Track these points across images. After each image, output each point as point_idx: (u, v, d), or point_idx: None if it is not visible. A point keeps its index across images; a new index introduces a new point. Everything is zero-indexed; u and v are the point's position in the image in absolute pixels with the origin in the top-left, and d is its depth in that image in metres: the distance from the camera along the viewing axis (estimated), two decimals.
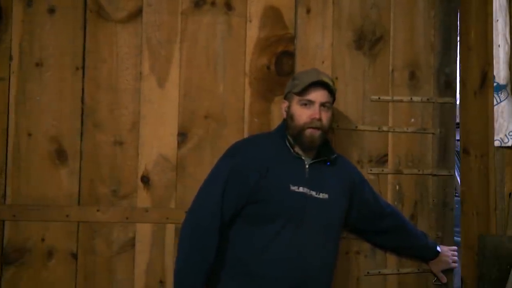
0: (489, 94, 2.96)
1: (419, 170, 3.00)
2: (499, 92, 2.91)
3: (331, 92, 2.60)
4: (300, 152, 2.61)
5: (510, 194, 2.89)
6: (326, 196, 2.59)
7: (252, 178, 2.49)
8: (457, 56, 3.11)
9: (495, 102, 2.92)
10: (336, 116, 2.97)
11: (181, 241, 2.47)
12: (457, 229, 3.27)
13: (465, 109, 3.10)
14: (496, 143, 2.91)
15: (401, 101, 3.00)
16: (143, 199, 2.86)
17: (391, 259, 3.00)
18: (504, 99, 2.90)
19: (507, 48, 2.89)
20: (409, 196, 3.02)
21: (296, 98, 2.58)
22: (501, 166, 2.93)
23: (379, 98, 2.99)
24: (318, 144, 2.59)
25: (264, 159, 2.55)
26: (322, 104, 2.57)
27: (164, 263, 2.85)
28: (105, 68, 2.86)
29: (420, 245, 2.93)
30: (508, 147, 2.90)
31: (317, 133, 2.56)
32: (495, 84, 2.93)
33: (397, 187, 3.02)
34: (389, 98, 3.00)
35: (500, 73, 2.91)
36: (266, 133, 2.76)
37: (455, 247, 2.98)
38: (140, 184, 2.85)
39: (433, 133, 3.01)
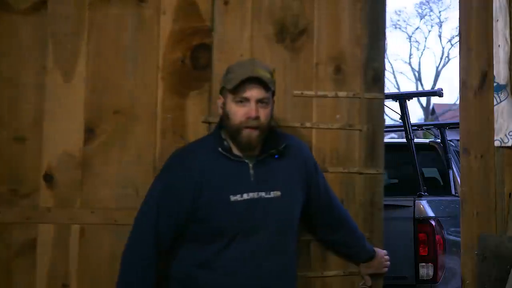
0: (489, 94, 2.97)
1: (344, 168, 2.82)
2: (499, 92, 2.91)
3: (270, 85, 2.35)
4: (240, 153, 2.37)
5: (510, 194, 2.89)
6: (278, 193, 2.39)
7: (187, 197, 2.32)
8: (385, 50, 2.96)
9: (495, 102, 2.92)
10: None
11: (120, 266, 2.38)
12: (457, 229, 3.27)
13: (465, 109, 3.10)
14: (496, 143, 2.92)
15: (325, 96, 2.83)
16: (45, 198, 2.68)
17: (316, 261, 2.80)
18: (504, 99, 2.90)
19: (507, 48, 2.90)
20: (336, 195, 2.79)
21: (230, 95, 2.33)
22: (501, 166, 2.93)
23: (302, 93, 2.82)
24: (259, 144, 2.37)
25: (200, 172, 2.34)
26: (259, 101, 2.33)
27: (67, 265, 2.68)
28: (5, 62, 2.71)
29: (360, 244, 2.74)
30: (508, 147, 2.90)
31: (255, 133, 2.32)
32: (495, 84, 2.93)
33: None
34: (312, 93, 2.83)
35: (500, 73, 2.91)
36: (204, 138, 2.52)
37: (385, 251, 2.85)
38: (43, 182, 2.68)
39: (360, 130, 2.83)
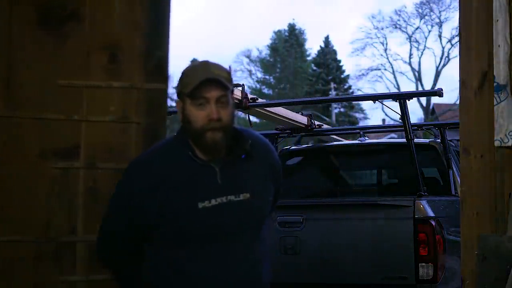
0: (489, 94, 2.97)
1: (117, 164, 2.59)
2: (499, 92, 2.91)
3: (226, 84, 2.29)
4: (205, 157, 2.32)
5: (510, 194, 2.89)
6: (247, 195, 2.34)
7: (150, 207, 2.28)
8: (169, 38, 2.72)
9: (495, 102, 2.92)
10: (16, 103, 2.57)
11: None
12: (457, 229, 3.27)
13: (465, 109, 3.10)
14: (496, 143, 2.92)
15: (98, 86, 2.61)
16: None
17: (80, 264, 2.59)
18: (504, 99, 2.90)
19: (507, 48, 2.90)
20: (106, 193, 2.57)
21: (188, 100, 2.27)
22: (501, 166, 2.93)
23: (69, 83, 2.59)
24: (224, 146, 2.31)
25: (163, 178, 2.28)
26: (218, 101, 2.27)
27: None
28: None
29: None
30: (508, 147, 2.90)
31: (219, 134, 2.26)
32: (495, 84, 2.93)
33: (91, 183, 2.63)
34: (82, 83, 2.60)
35: (500, 73, 2.91)
36: (167, 142, 2.45)
37: None
38: None
39: (137, 123, 2.63)
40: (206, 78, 2.26)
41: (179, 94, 2.34)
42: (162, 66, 2.69)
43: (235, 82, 5.16)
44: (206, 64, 2.35)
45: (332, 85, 46.45)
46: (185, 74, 2.33)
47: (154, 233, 2.34)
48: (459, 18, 3.15)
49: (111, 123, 2.63)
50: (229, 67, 2.41)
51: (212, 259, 2.31)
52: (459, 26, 3.15)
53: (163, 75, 2.69)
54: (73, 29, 2.61)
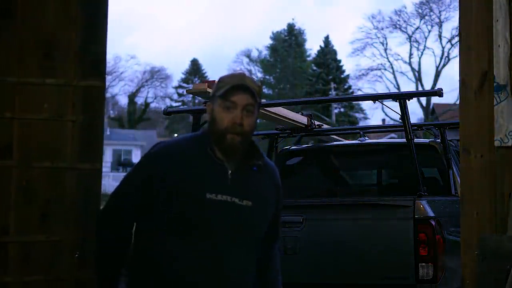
0: (489, 94, 2.97)
1: (53, 163, 2.56)
2: (499, 92, 2.91)
3: (256, 95, 2.49)
4: (222, 157, 2.49)
5: (510, 194, 2.89)
6: (249, 203, 2.48)
7: (161, 188, 2.43)
8: (106, 34, 2.70)
9: (495, 102, 2.92)
10: None
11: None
12: (457, 229, 3.27)
13: (465, 109, 3.10)
14: (496, 143, 2.92)
15: (31, 83, 2.55)
16: None
17: (13, 265, 2.51)
18: (504, 99, 2.90)
19: (507, 48, 2.90)
20: (40, 193, 2.54)
21: (219, 101, 2.47)
22: (501, 166, 2.93)
23: (1, 80, 2.53)
24: (240, 150, 2.48)
25: (181, 162, 2.45)
26: (245, 108, 2.46)
27: None
28: None
29: None
30: (508, 147, 2.90)
31: (237, 138, 2.44)
32: (495, 84, 2.93)
33: (24, 182, 2.57)
34: (14, 80, 2.55)
35: (500, 73, 2.91)
36: (193, 136, 2.64)
37: None
38: None
39: (73, 121, 2.59)
40: (239, 83, 2.45)
41: (212, 96, 2.54)
42: (99, 62, 2.65)
43: None
44: (243, 74, 2.54)
45: (332, 85, 46.46)
46: (222, 79, 2.53)
47: (157, 218, 2.44)
48: (459, 18, 3.15)
49: (45, 121, 2.57)
50: (259, 82, 2.48)
51: (205, 252, 2.41)
52: (459, 26, 3.15)
53: (100, 72, 2.65)
54: (5, 25, 2.55)
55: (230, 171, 2.48)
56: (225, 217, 2.44)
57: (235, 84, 2.45)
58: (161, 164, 2.46)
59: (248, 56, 57.06)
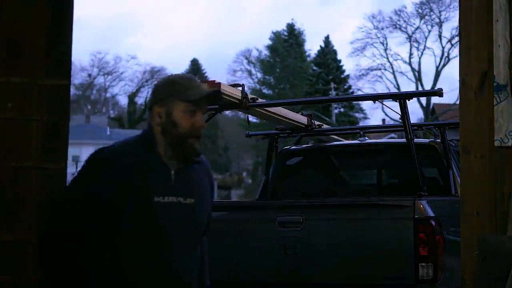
0: (489, 94, 2.97)
1: (16, 162, 2.52)
2: (499, 92, 2.91)
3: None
4: (167, 159, 2.51)
5: (510, 194, 2.89)
6: (192, 201, 2.54)
7: (108, 197, 2.41)
8: (72, 33, 2.66)
9: (495, 102, 2.92)
10: None
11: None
12: (457, 229, 3.27)
13: (465, 109, 3.10)
14: (496, 143, 2.92)
15: None
16: None
17: None
18: (504, 99, 2.90)
19: (507, 48, 2.90)
20: (5, 193, 2.50)
21: (182, 105, 2.47)
22: (501, 166, 2.93)
23: None
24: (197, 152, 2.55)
25: (124, 168, 2.44)
26: (203, 112, 2.55)
27: None
28: None
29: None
30: (508, 147, 2.90)
31: (196, 142, 2.51)
32: (495, 84, 2.93)
33: None
34: None
35: (500, 73, 2.91)
36: (132, 139, 2.61)
37: None
38: None
39: (37, 120, 2.54)
40: (214, 91, 2.53)
41: (164, 99, 2.50)
42: (64, 61, 2.61)
43: (235, 83, 5.18)
44: (194, 78, 2.58)
45: (332, 85, 46.45)
46: (178, 82, 2.52)
47: (108, 226, 2.44)
48: (459, 18, 3.15)
49: (9, 120, 2.52)
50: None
51: (155, 257, 2.44)
52: (459, 26, 3.15)
53: (66, 71, 2.61)
54: None
55: (173, 171, 2.51)
56: (173, 217, 2.47)
57: (210, 92, 2.51)
58: (108, 171, 2.44)
59: (248, 56, 57.05)
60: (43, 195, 2.53)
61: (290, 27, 56.28)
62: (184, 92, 2.48)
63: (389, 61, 46.27)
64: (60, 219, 2.46)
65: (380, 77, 46.31)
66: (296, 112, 6.03)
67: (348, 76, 49.84)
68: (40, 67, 2.55)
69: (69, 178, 2.59)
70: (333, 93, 44.86)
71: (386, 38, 45.94)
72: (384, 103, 9.65)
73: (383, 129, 8.99)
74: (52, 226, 2.45)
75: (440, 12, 43.92)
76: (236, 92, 4.95)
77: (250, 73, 56.55)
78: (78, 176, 2.52)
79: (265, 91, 54.07)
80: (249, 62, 56.44)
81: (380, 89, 45.31)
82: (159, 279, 2.45)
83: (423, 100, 42.65)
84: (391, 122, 35.37)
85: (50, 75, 2.57)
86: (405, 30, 45.47)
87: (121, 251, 2.44)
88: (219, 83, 4.79)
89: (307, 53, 56.80)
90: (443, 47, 44.39)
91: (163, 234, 2.46)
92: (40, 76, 2.55)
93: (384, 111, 43.02)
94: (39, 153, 2.53)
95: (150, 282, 2.44)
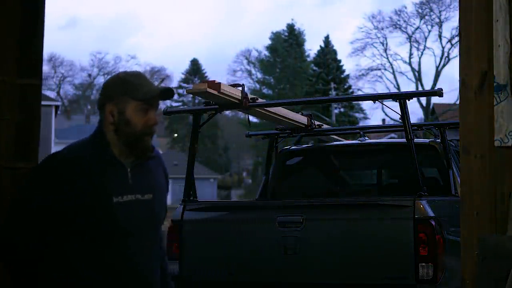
0: (489, 94, 2.96)
1: None
2: (499, 92, 2.91)
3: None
4: (122, 158, 2.49)
5: (510, 194, 2.89)
6: (150, 196, 2.53)
7: (66, 199, 2.37)
8: (43, 33, 2.64)
9: (495, 102, 2.92)
10: None
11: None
12: (457, 229, 3.27)
13: (465, 109, 3.10)
14: (496, 143, 2.92)
15: None
16: None
17: None
18: (504, 99, 2.90)
19: (507, 48, 2.90)
20: None
21: (134, 104, 2.45)
22: (501, 166, 2.93)
23: None
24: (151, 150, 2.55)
25: (81, 174, 2.40)
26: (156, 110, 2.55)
27: None
28: None
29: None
30: (508, 147, 2.90)
31: (151, 139, 2.51)
32: (495, 84, 2.93)
33: None
34: None
35: (500, 73, 2.91)
36: (85, 140, 2.55)
37: None
38: None
39: (9, 119, 2.53)
40: (166, 89, 2.51)
41: (115, 97, 2.47)
42: (36, 60, 2.60)
43: (235, 83, 5.18)
44: (145, 75, 2.56)
45: (332, 85, 46.44)
46: (130, 80, 2.48)
47: (68, 228, 2.40)
48: (459, 18, 3.15)
49: None
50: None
51: (122, 254, 2.44)
52: (459, 26, 3.15)
53: (37, 71, 2.60)
54: None
55: (129, 169, 2.50)
56: (134, 216, 2.46)
57: (162, 90, 2.49)
58: (65, 176, 2.39)
59: (248, 56, 57.03)
60: (13, 194, 2.49)
61: (290, 27, 56.27)
62: (137, 90, 2.45)
63: (389, 61, 46.29)
64: (18, 233, 2.38)
65: (380, 77, 46.32)
66: (296, 112, 6.03)
67: (348, 76, 49.84)
68: (12, 67, 2.53)
69: None
70: (333, 93, 44.86)
71: (386, 38, 45.95)
72: (384, 103, 9.66)
73: (383, 129, 8.99)
74: (8, 239, 2.39)
75: (440, 12, 43.93)
76: (236, 92, 4.94)
77: (250, 73, 56.55)
78: (33, 185, 2.42)
79: (265, 91, 54.07)
80: (249, 62, 56.44)
81: (380, 89, 45.33)
82: (125, 281, 2.44)
83: (423, 100, 42.67)
84: (391, 122, 35.37)
85: (22, 75, 2.55)
86: (405, 30, 45.48)
87: (83, 255, 2.41)
88: (219, 83, 4.78)
89: (307, 53, 56.83)
90: (443, 47, 44.41)
91: (126, 234, 2.45)
92: (11, 76, 2.53)
93: (384, 111, 43.03)
94: (10, 153, 2.52)
95: (116, 284, 2.42)
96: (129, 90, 2.46)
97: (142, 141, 2.47)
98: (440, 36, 44.50)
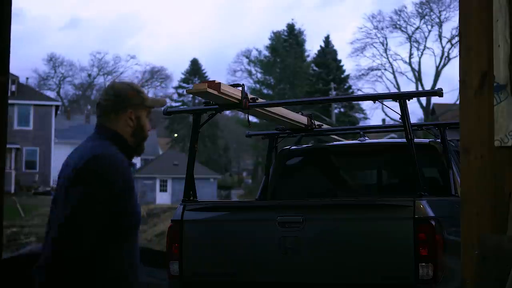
0: (489, 94, 2.97)
1: None
2: (499, 92, 2.91)
3: None
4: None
5: (510, 194, 2.89)
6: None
7: (121, 198, 2.60)
8: (10, 29, 2.67)
9: (495, 102, 2.92)
10: None
11: None
12: (457, 229, 3.27)
13: (465, 109, 3.10)
14: (496, 143, 2.92)
15: None
16: None
17: None
18: (504, 99, 2.90)
19: (507, 48, 2.90)
20: None
21: (145, 111, 2.82)
22: (501, 166, 2.93)
23: None
24: None
25: (124, 172, 2.63)
26: None
27: None
28: None
29: None
30: (508, 147, 2.90)
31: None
32: (495, 84, 2.93)
33: None
34: None
35: (500, 73, 2.91)
36: (111, 143, 2.73)
37: None
38: None
39: None
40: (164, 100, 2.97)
41: (133, 105, 2.77)
42: (2, 58, 2.59)
43: (235, 83, 5.17)
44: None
45: (332, 85, 46.45)
46: (141, 91, 2.83)
47: (116, 224, 2.59)
48: (459, 18, 3.15)
49: None
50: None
51: (136, 251, 2.70)
52: (459, 26, 3.15)
53: (3, 68, 2.59)
54: None
55: (134, 170, 2.85)
56: (140, 209, 2.82)
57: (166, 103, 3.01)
58: (127, 175, 2.64)
59: (248, 56, 57.02)
60: None
61: (290, 27, 56.26)
62: (147, 99, 2.82)
63: (389, 61, 46.30)
64: (86, 240, 2.50)
65: (380, 77, 46.34)
66: (296, 112, 6.02)
67: (348, 76, 49.85)
68: None
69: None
70: (333, 93, 44.86)
71: (386, 38, 45.99)
72: (384, 103, 9.66)
73: (383, 129, 8.97)
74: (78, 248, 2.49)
75: (440, 12, 43.95)
76: (236, 92, 4.94)
77: (250, 73, 56.55)
78: (101, 187, 2.54)
79: (265, 91, 54.05)
80: (250, 61, 56.43)
81: (380, 89, 45.37)
82: (135, 273, 2.70)
83: (423, 100, 42.70)
84: (391, 122, 35.37)
85: None
86: (405, 30, 45.50)
87: (119, 248, 2.61)
88: (219, 83, 4.78)
89: (307, 53, 56.84)
90: (443, 47, 44.42)
91: (137, 231, 2.76)
92: None
93: (384, 111, 43.06)
94: None
95: (133, 276, 2.67)
96: (143, 99, 2.80)
97: (143, 143, 2.83)
98: (440, 36, 44.54)
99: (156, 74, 64.12)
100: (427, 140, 5.80)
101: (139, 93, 2.79)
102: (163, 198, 44.99)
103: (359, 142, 6.19)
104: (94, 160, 2.54)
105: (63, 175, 2.59)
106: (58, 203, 2.52)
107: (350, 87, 48.63)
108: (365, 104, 50.19)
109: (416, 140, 5.08)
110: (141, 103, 2.77)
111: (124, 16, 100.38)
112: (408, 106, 4.81)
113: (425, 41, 45.28)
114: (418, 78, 45.73)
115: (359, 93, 39.74)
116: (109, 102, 2.71)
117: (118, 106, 2.71)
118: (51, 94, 56.85)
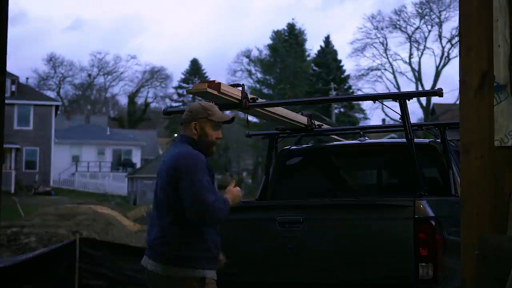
0: (489, 94, 2.97)
1: None
2: (499, 92, 2.91)
3: None
4: None
5: (510, 194, 2.89)
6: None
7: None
8: (7, 28, 2.71)
9: (495, 102, 2.92)
10: None
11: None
12: (457, 229, 3.27)
13: (465, 109, 3.10)
14: (496, 143, 2.92)
15: None
16: None
17: None
18: (504, 99, 2.90)
19: (507, 48, 2.90)
20: None
21: (211, 123, 3.81)
22: (501, 166, 2.93)
23: None
24: None
25: (203, 159, 3.74)
26: None
27: None
28: None
29: None
30: (508, 147, 2.90)
31: (215, 147, 3.86)
32: (495, 84, 2.93)
33: None
34: None
35: (500, 73, 2.91)
36: (189, 145, 3.80)
37: None
38: None
39: None
40: (231, 118, 3.91)
41: (199, 118, 3.81)
42: (0, 57, 2.61)
43: (235, 83, 5.17)
44: (215, 106, 4.02)
45: (332, 85, 46.43)
46: (208, 108, 3.86)
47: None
48: (459, 18, 3.15)
49: None
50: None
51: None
52: (459, 26, 3.15)
53: (0, 67, 2.62)
54: None
55: None
56: None
57: (231, 118, 3.91)
58: (201, 164, 3.69)
59: (248, 56, 57.02)
60: None
61: (291, 27, 56.25)
62: (212, 115, 3.82)
63: (389, 61, 46.31)
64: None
65: (380, 77, 46.33)
66: (296, 112, 6.02)
67: (348, 76, 49.84)
68: None
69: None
70: (333, 93, 44.86)
71: (386, 38, 45.98)
72: (384, 103, 9.65)
73: (383, 129, 8.97)
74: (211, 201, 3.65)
75: (440, 12, 43.94)
76: (236, 92, 4.94)
77: (250, 73, 56.54)
78: (202, 171, 3.66)
79: (265, 91, 54.05)
80: (250, 61, 56.43)
81: (380, 89, 45.36)
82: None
83: (423, 100, 42.68)
84: (391, 122, 35.37)
85: None
86: (405, 30, 45.50)
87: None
88: (219, 83, 4.78)
89: (307, 53, 56.82)
90: (443, 47, 44.41)
91: None
92: None
93: (384, 111, 43.05)
94: None
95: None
96: (208, 114, 3.82)
97: (212, 148, 3.85)
98: (440, 36, 44.53)
99: (156, 74, 64.11)
100: (427, 140, 5.79)
101: (206, 110, 3.81)
102: None
103: (359, 142, 6.19)
104: (184, 157, 3.69)
105: (165, 168, 3.72)
106: (166, 190, 3.71)
107: (350, 87, 48.63)
108: (365, 104, 50.23)
109: (416, 140, 5.08)
110: (205, 117, 3.79)
111: (126, 17, 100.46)
112: (408, 106, 4.81)
113: (425, 41, 45.29)
114: (418, 78, 45.73)
115: (359, 93, 39.78)
116: (185, 116, 3.83)
117: (187, 119, 3.82)
118: (51, 94, 56.82)
